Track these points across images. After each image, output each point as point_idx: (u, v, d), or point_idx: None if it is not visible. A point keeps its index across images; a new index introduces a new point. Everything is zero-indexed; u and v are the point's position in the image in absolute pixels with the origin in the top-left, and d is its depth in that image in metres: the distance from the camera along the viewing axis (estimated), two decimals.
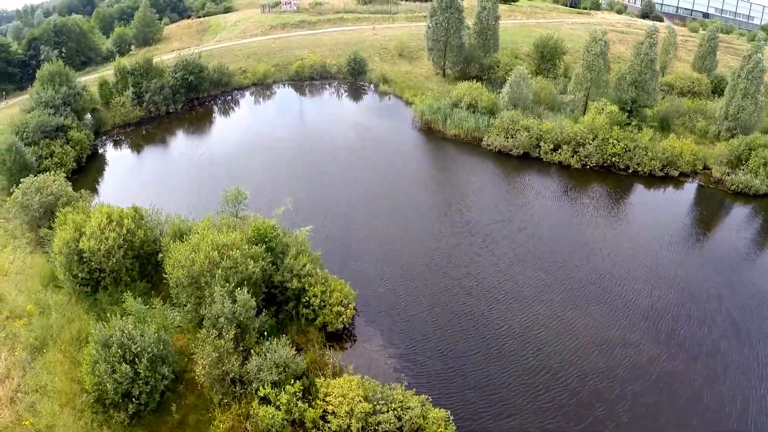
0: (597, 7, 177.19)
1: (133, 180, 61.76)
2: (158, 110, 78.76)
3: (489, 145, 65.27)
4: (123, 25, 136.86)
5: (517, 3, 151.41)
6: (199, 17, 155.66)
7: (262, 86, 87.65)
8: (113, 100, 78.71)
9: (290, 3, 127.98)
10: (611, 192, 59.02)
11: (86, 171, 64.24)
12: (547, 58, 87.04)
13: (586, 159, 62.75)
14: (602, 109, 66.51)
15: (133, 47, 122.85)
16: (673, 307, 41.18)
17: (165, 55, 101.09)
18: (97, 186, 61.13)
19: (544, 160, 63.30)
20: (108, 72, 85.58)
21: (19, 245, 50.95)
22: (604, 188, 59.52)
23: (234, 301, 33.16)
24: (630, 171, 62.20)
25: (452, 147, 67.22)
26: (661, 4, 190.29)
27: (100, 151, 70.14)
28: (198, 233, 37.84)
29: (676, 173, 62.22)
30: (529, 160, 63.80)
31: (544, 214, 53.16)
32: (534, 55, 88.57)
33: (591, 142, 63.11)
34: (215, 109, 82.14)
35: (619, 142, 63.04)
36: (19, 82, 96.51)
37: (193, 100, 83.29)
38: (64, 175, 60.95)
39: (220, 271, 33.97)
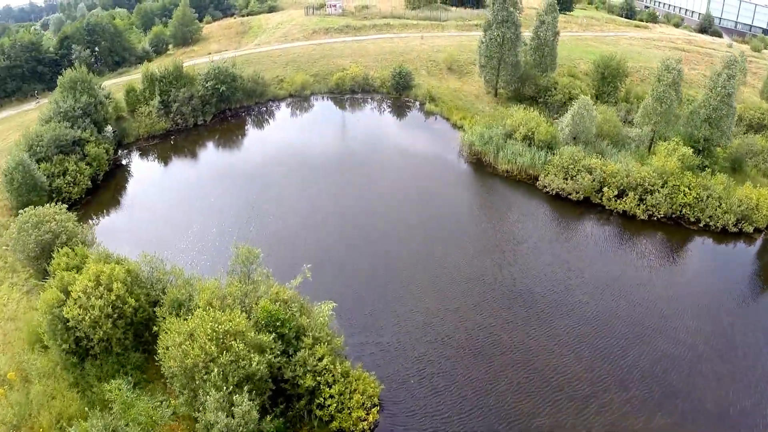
0: (654, 18, 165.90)
1: (148, 205, 55.84)
2: (186, 122, 72.97)
3: (545, 187, 56.86)
4: (164, 23, 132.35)
5: (572, 13, 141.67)
6: (243, 16, 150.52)
7: (299, 98, 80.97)
8: (139, 110, 73.32)
9: (335, 6, 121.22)
10: (683, 252, 50.49)
11: (101, 191, 58.84)
12: (608, 80, 78.11)
13: (654, 209, 54.19)
14: (673, 150, 57.83)
15: (170, 47, 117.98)
16: None
17: (200, 59, 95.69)
18: (108, 212, 55.45)
19: (607, 207, 54.61)
20: (139, 76, 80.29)
21: (17, 281, 45.59)
22: (674, 246, 50.86)
23: (232, 407, 26.58)
24: (701, 224, 53.58)
25: (503, 186, 59.04)
26: (720, 19, 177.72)
27: (120, 165, 64.67)
28: (197, 309, 31.34)
29: (751, 229, 53.20)
30: (590, 207, 55.16)
31: (607, 281, 44.68)
32: (593, 75, 79.68)
33: (660, 189, 54.72)
34: (247, 122, 75.77)
35: (691, 190, 54.42)
36: (48, 83, 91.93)
37: (225, 111, 77.26)
38: (78, 194, 56.60)
39: (216, 369, 27.33)
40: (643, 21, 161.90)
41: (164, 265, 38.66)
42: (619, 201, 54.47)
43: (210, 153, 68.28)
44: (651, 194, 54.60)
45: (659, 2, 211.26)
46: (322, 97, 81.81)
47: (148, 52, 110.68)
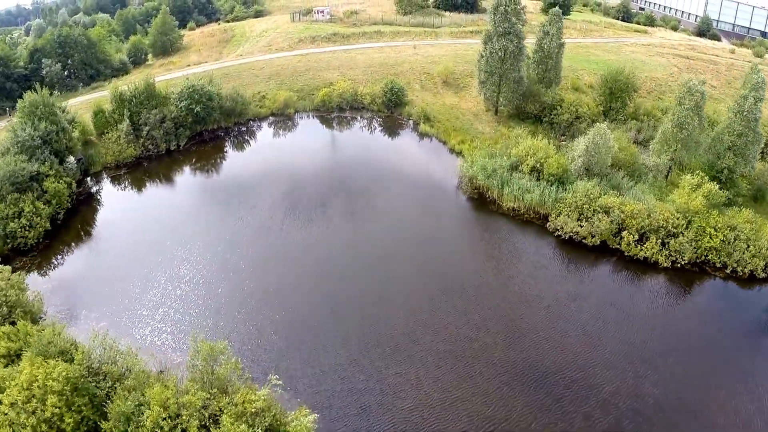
0: (651, 22, 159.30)
1: (112, 249, 48.44)
2: (157, 148, 65.42)
3: (557, 230, 49.55)
4: (146, 30, 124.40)
5: (569, 17, 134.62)
6: (228, 21, 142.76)
7: (282, 117, 73.40)
8: (106, 135, 65.81)
9: (323, 12, 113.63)
10: (714, 307, 43.83)
11: (61, 232, 51.61)
12: (616, 95, 71.21)
13: (677, 255, 47.20)
14: (697, 186, 50.97)
15: (150, 57, 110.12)
16: None
17: (178, 72, 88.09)
18: (66, 259, 48.12)
19: (626, 253, 47.40)
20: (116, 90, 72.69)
21: None
22: (703, 300, 44.36)
23: None
24: (728, 270, 46.77)
25: (509, 227, 51.46)
26: (717, 21, 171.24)
27: (85, 200, 57.13)
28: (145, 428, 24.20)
29: None
30: (607, 253, 47.99)
31: (631, 353, 37.72)
32: (600, 90, 72.67)
33: (684, 231, 48.02)
34: (224, 146, 67.94)
35: (717, 232, 47.67)
36: (17, 100, 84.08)
37: (202, 132, 69.73)
38: (34, 239, 48.91)
39: None
40: (640, 24, 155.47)
41: (118, 346, 31.62)
42: (640, 246, 47.48)
43: (183, 184, 60.81)
44: (674, 237, 47.80)
45: (654, 4, 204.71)
46: (308, 115, 74.23)
47: (125, 64, 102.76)
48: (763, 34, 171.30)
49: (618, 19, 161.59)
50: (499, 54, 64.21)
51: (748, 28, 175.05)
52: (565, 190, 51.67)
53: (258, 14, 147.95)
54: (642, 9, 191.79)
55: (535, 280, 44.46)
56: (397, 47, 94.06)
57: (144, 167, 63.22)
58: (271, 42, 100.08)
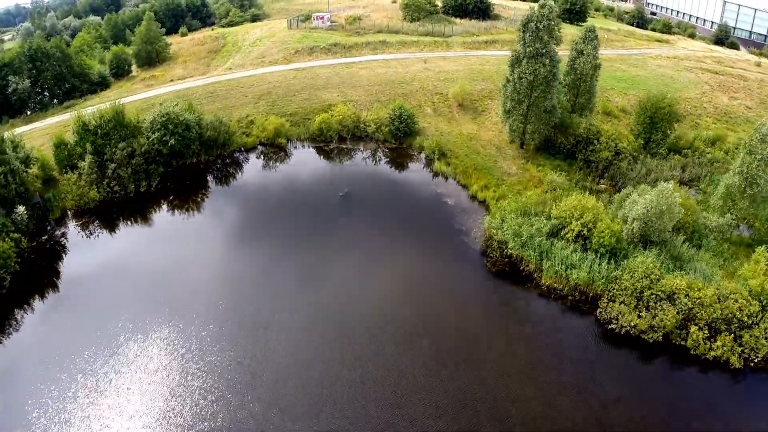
0: (669, 29, 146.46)
1: (53, 339, 36.81)
2: (125, 189, 53.68)
3: (610, 321, 37.28)
4: (125, 40, 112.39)
5: (583, 25, 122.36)
6: (223, 26, 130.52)
7: (273, 148, 61.13)
8: (65, 175, 54.07)
9: (323, 18, 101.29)
10: None
11: (5, 304, 39.85)
12: (657, 125, 59.05)
13: (752, 353, 35.19)
14: None
15: (134, 68, 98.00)
16: None
17: (160, 88, 76.15)
18: (7, 345, 36.61)
19: (692, 352, 35.26)
20: (93, 108, 60.77)
21: None
22: None
23: None
24: None
25: (550, 315, 38.82)
26: (734, 28, 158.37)
27: (39, 257, 45.50)
28: None
29: None
30: (669, 351, 35.78)
31: None
32: (639, 118, 60.27)
33: (758, 321, 36.14)
34: (202, 188, 55.31)
35: None
36: None
37: (179, 168, 57.71)
38: None
39: None
40: (656, 31, 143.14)
41: None
42: (710, 344, 35.42)
43: (153, 236, 48.86)
44: (749, 329, 35.89)
45: (668, 9, 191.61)
46: (302, 145, 62.07)
47: (105, 77, 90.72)
48: None
49: (632, 25, 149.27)
50: (529, 79, 52.06)
51: (766, 36, 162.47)
52: (618, 264, 39.60)
53: (255, 18, 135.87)
54: (653, 14, 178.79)
55: (584, 397, 32.26)
56: (405, 60, 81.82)
57: (109, 213, 51.44)
58: (265, 53, 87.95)
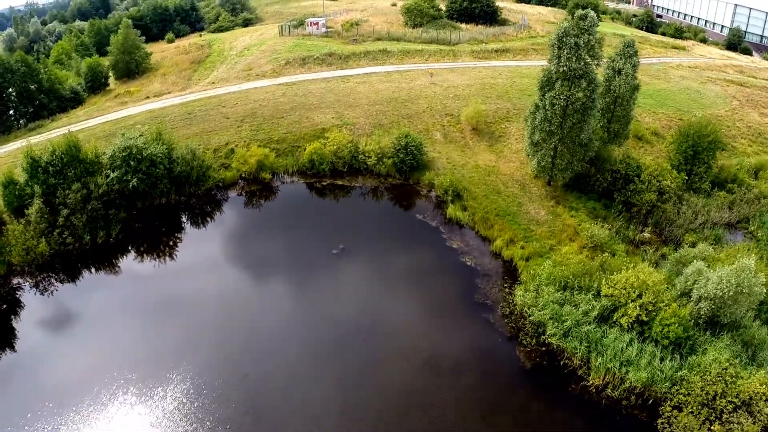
0: (680, 33, 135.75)
1: None
2: (79, 240, 43.27)
3: None
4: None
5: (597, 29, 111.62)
6: (213, 32, 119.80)
7: (255, 184, 50.54)
8: (10, 226, 43.59)
9: (317, 24, 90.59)
10: None
11: None
12: (700, 155, 48.65)
13: None
14: None
15: (111, 80, 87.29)
16: None
17: (132, 108, 65.68)
18: None
19: None
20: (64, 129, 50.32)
21: None
22: None
23: None
24: None
25: (601, 426, 28.55)
26: (745, 32, 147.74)
27: None
28: None
29: None
30: None
31: None
32: (681, 148, 49.69)
33: None
34: (172, 236, 45.06)
35: None
36: None
37: (144, 211, 47.35)
38: None
39: None
40: (667, 35, 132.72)
41: None
42: None
43: (110, 302, 38.57)
44: None
45: (676, 12, 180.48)
46: (290, 181, 51.47)
47: (78, 93, 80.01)
48: None
49: (642, 29, 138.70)
50: (562, 105, 41.59)
51: None
52: (683, 359, 29.56)
53: (247, 23, 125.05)
54: (660, 17, 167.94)
55: None
56: (409, 73, 71.23)
57: (64, 269, 41.21)
58: (252, 64, 77.31)
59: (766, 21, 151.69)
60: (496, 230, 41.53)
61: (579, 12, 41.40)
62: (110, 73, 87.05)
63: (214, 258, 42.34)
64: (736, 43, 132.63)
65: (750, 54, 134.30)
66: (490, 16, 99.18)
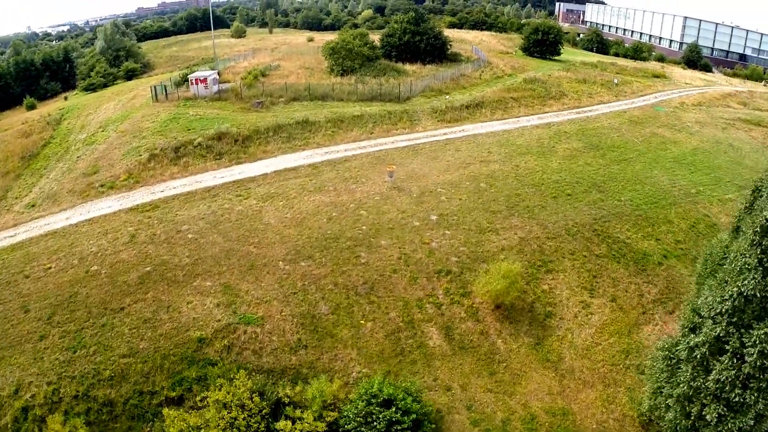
0: (638, 54, 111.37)
1: None
2: None
3: None
4: None
5: (558, 59, 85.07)
6: (85, 90, 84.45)
7: None
8: None
9: (206, 81, 57.62)
10: None
11: None
12: None
13: None
14: None
15: None
16: None
17: None
18: None
19: None
20: None
21: None
22: None
23: None
24: None
25: None
26: (702, 47, 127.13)
27: None
28: None
29: None
30: None
31: None
32: None
33: None
34: None
35: None
36: None
37: None
38: None
39: None
40: (620, 56, 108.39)
41: None
42: None
43: None
44: None
45: (621, 29, 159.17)
46: None
47: None
48: (742, 57, 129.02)
49: (591, 50, 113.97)
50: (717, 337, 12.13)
51: (727, 51, 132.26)
52: None
53: (131, 74, 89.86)
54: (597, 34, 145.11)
55: None
56: (350, 166, 40.13)
57: None
58: (101, 161, 43.91)
59: (715, 33, 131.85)
60: None
61: None
62: None
63: None
64: (695, 59, 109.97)
65: (710, 70, 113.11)
66: (439, 51, 69.51)
